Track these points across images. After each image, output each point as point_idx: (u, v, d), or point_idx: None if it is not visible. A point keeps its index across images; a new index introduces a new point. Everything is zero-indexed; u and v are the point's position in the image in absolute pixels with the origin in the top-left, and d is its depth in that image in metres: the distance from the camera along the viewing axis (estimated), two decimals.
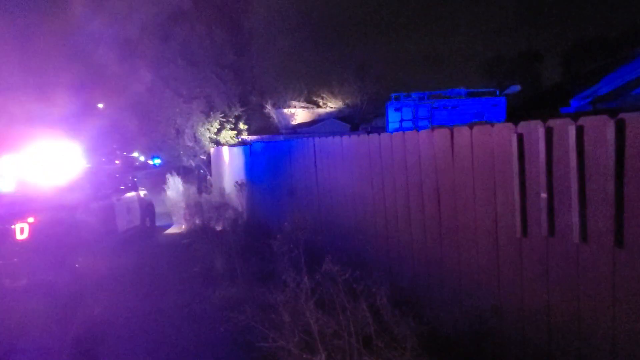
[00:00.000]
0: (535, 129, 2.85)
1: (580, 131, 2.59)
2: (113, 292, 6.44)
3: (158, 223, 11.58)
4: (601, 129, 2.49)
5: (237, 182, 10.29)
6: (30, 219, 6.20)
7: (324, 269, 2.94)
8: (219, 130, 16.21)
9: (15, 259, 6.10)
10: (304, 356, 2.73)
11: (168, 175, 13.23)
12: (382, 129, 17.76)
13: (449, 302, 3.66)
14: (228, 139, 16.40)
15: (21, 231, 6.12)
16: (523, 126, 2.95)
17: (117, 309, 5.75)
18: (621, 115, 2.41)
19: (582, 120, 2.60)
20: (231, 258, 5.81)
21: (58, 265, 6.45)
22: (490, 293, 3.28)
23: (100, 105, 24.59)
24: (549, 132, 2.77)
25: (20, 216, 6.18)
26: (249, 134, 17.91)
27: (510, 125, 3.04)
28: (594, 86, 11.79)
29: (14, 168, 7.52)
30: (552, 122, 2.77)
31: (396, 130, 13.75)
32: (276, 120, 24.13)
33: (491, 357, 3.28)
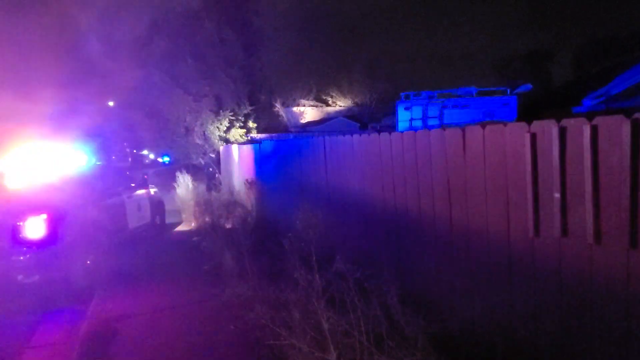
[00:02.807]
0: (548, 129, 2.83)
1: (594, 131, 2.57)
2: (123, 289, 6.50)
3: (168, 220, 11.66)
4: (616, 129, 2.46)
5: (246, 180, 10.32)
6: (43, 216, 6.27)
7: (335, 268, 2.94)
8: (228, 129, 16.27)
9: (28, 255, 6.17)
10: (315, 354, 2.74)
11: (178, 173, 13.30)
12: (392, 127, 17.72)
13: (460, 302, 3.65)
14: (237, 137, 16.46)
15: (34, 227, 6.19)
16: (536, 126, 2.93)
17: (127, 306, 5.80)
18: (636, 115, 2.39)
19: (596, 120, 2.58)
20: (241, 256, 5.83)
21: (70, 261, 6.52)
22: (502, 293, 3.26)
23: (111, 103, 24.76)
24: (562, 132, 2.75)
25: (33, 212, 6.25)
26: (258, 132, 17.96)
27: (523, 124, 3.02)
28: (607, 85, 11.68)
29: (26, 165, 7.61)
30: (566, 122, 2.75)
31: (406, 129, 13.71)
32: (285, 119, 24.16)
33: (502, 358, 3.26)
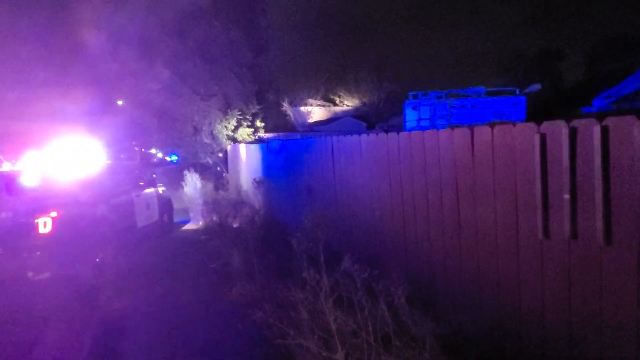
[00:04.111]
0: (558, 129, 2.81)
1: (605, 131, 2.55)
2: (132, 286, 6.54)
3: (176, 219, 11.72)
4: (627, 130, 2.44)
5: (254, 180, 10.34)
6: (53, 214, 6.33)
7: (342, 268, 2.94)
8: (236, 128, 16.33)
9: (38, 253, 6.23)
10: (323, 354, 2.74)
11: (186, 172, 13.37)
12: (399, 127, 17.68)
13: (468, 303, 3.64)
14: (245, 136, 16.52)
15: (44, 225, 6.25)
16: (546, 126, 2.91)
17: (136, 304, 5.84)
18: None
19: (607, 121, 2.55)
20: (248, 255, 5.85)
21: (79, 259, 6.58)
22: (510, 294, 3.24)
23: (120, 103, 24.92)
24: (572, 133, 2.73)
25: (44, 211, 6.32)
26: (265, 132, 18.00)
27: (532, 125, 3.00)
28: (617, 85, 11.58)
29: (37, 163, 7.69)
30: (576, 123, 2.73)
31: (414, 129, 13.68)
32: (293, 118, 24.19)
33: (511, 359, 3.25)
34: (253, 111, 16.68)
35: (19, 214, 6.35)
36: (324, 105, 27.24)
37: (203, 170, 16.33)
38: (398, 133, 4.62)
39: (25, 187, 7.02)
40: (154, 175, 11.45)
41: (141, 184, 9.74)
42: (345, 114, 26.48)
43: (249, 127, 16.69)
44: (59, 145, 8.14)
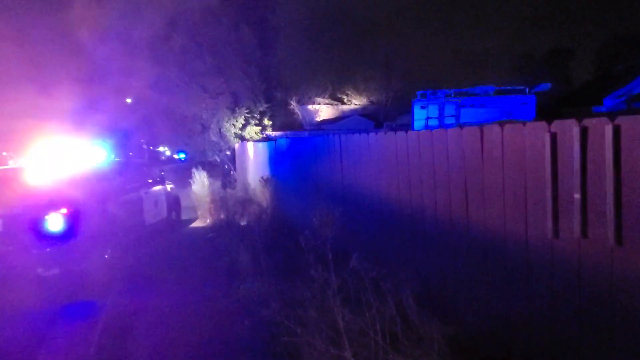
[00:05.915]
0: (569, 129, 2.78)
1: (617, 131, 2.52)
2: (140, 283, 6.59)
3: (184, 216, 11.77)
4: (639, 129, 2.41)
5: (262, 178, 10.37)
6: (63, 210, 6.38)
7: (350, 266, 2.94)
8: (244, 126, 16.37)
9: (48, 249, 6.29)
10: (331, 352, 2.74)
11: (194, 170, 13.42)
12: (407, 126, 17.63)
13: (477, 303, 3.62)
14: (252, 134, 16.55)
15: (54, 221, 6.31)
16: (557, 125, 2.88)
17: (143, 300, 5.88)
18: None
19: (619, 120, 2.53)
20: (256, 252, 5.86)
21: (88, 255, 6.63)
22: (519, 294, 3.23)
23: (129, 100, 25.06)
24: (583, 132, 2.70)
25: (54, 207, 6.37)
26: (273, 130, 18.03)
27: (543, 124, 2.98)
28: (629, 85, 11.46)
29: (48, 160, 7.75)
30: (587, 122, 2.70)
31: (422, 128, 13.63)
32: (300, 117, 24.21)
33: None
34: (261, 109, 16.72)
35: (29, 210, 6.41)
36: (331, 104, 27.22)
37: (211, 168, 16.39)
38: (406, 132, 4.60)
39: (35, 184, 7.08)
40: (163, 173, 11.49)
41: (150, 181, 9.79)
42: (353, 112, 26.45)
43: (256, 125, 16.73)
44: (69, 142, 8.20)
